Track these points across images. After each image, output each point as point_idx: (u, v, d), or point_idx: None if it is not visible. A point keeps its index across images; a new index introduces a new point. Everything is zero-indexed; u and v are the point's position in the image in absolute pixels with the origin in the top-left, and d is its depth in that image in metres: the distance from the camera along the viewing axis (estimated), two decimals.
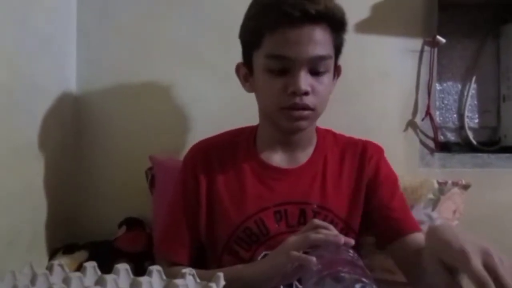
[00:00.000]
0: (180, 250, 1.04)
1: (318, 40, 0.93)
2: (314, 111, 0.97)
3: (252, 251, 0.99)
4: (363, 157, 1.06)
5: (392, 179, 1.08)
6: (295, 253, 0.79)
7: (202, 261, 1.06)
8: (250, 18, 0.99)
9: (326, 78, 0.97)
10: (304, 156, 1.06)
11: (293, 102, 0.94)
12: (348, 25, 1.00)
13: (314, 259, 0.74)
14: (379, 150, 1.10)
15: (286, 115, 0.96)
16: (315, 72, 0.95)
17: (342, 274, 0.69)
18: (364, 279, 0.68)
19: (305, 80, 0.93)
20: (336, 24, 0.96)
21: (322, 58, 0.94)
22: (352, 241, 0.78)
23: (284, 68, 0.94)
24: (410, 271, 0.98)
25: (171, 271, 0.91)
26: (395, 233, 0.99)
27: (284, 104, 0.95)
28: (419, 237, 0.98)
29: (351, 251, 0.79)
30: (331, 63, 0.98)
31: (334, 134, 1.13)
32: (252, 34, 0.98)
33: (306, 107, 0.95)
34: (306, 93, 0.93)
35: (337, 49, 1.00)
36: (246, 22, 1.01)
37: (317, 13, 0.91)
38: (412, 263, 0.93)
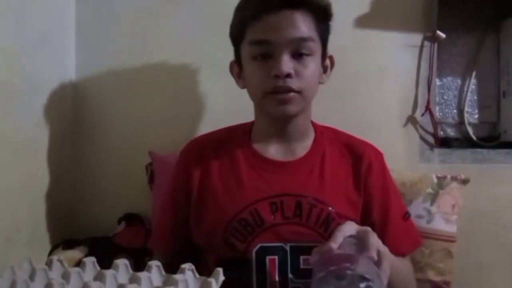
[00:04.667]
0: (162, 240, 1.10)
1: (298, 23, 0.96)
2: (300, 94, 0.97)
3: (247, 243, 0.98)
4: (363, 164, 1.06)
5: (388, 192, 1.07)
6: None
7: (200, 255, 1.06)
8: (235, 14, 1.04)
9: (311, 62, 0.98)
10: (301, 149, 1.06)
11: (277, 85, 0.96)
12: (333, 15, 1.02)
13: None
14: (378, 159, 1.09)
15: (271, 100, 0.98)
16: (298, 55, 0.97)
17: (348, 272, 0.69)
18: (367, 276, 0.69)
19: (287, 63, 0.95)
20: (318, 11, 0.98)
21: (303, 40, 0.96)
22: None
23: (267, 53, 0.97)
24: None
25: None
26: None
27: (268, 89, 0.97)
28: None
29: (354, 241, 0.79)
30: (314, 47, 0.98)
31: (335, 131, 1.12)
32: (236, 27, 1.03)
33: (290, 90, 0.96)
34: (289, 75, 0.95)
35: (322, 36, 1.01)
36: (233, 18, 1.04)
37: None
38: None
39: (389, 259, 0.79)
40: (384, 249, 0.80)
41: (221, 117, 1.21)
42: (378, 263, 0.76)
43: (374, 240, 0.79)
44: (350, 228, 0.82)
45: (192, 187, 1.05)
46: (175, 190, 1.09)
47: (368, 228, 0.82)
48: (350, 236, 0.81)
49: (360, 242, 0.79)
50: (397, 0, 1.41)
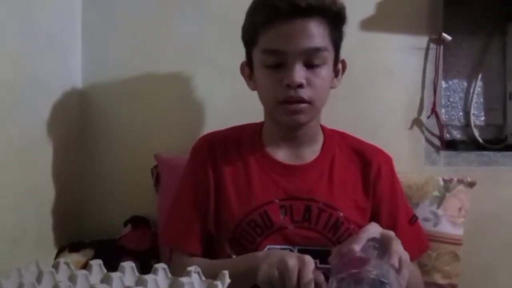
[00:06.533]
0: (193, 241, 1.04)
1: (311, 33, 0.94)
2: (311, 104, 0.97)
3: (256, 244, 0.98)
4: (372, 170, 1.06)
5: (396, 197, 1.08)
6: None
7: (211, 253, 1.06)
8: (247, 17, 1.02)
9: (324, 71, 0.97)
10: (310, 153, 1.06)
11: (288, 95, 0.95)
12: (347, 19, 1.00)
13: None
14: (387, 164, 1.09)
15: (282, 109, 0.98)
16: (310, 65, 0.96)
17: (369, 276, 0.69)
18: (387, 281, 0.69)
19: (299, 73, 0.94)
20: (331, 17, 0.97)
21: (316, 50, 0.95)
22: None
23: (280, 62, 0.96)
24: None
25: (187, 262, 0.92)
26: None
27: (280, 98, 0.97)
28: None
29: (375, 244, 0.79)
30: (328, 55, 0.98)
31: (343, 135, 1.12)
32: (248, 32, 1.02)
33: (301, 100, 0.96)
34: (301, 86, 0.94)
35: (335, 43, 1.00)
36: (245, 21, 1.03)
37: (307, 6, 0.93)
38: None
39: (409, 267, 0.79)
40: (405, 256, 0.79)
41: (225, 119, 1.21)
42: (398, 270, 0.76)
43: (397, 247, 0.79)
44: (374, 230, 0.82)
45: (210, 184, 1.05)
46: (196, 187, 1.06)
47: (392, 234, 0.82)
48: (373, 239, 0.80)
49: (381, 246, 0.79)
50: (402, 2, 1.41)
